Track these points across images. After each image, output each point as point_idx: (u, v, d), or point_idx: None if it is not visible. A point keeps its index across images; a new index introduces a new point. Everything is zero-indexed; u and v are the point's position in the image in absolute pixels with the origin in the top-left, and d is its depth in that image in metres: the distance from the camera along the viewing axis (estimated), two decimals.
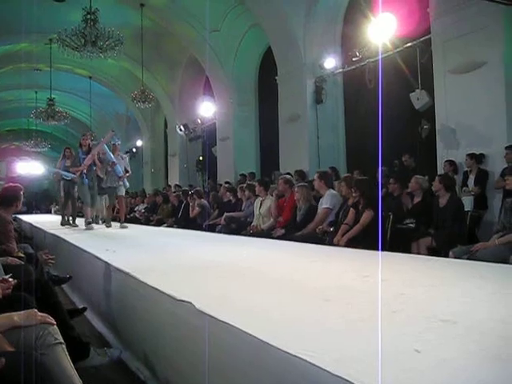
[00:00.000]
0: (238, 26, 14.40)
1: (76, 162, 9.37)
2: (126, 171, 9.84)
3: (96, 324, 4.30)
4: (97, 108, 24.18)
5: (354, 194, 6.48)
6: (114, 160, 9.32)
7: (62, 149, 10.81)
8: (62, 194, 10.70)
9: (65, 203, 10.75)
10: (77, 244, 5.87)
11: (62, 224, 10.44)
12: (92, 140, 10.03)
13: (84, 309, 4.31)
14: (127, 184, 9.86)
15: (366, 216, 6.10)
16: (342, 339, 1.88)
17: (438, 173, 8.21)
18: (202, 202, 11.11)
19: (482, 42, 7.94)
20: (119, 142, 10.04)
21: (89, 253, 4.98)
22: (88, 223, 9.24)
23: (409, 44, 9.38)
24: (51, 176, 12.08)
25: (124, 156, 10.29)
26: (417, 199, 7.19)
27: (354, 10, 11.24)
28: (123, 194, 10.14)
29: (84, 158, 9.14)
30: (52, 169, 12.04)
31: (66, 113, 21.03)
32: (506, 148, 7.46)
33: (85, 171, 9.10)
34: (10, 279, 2.83)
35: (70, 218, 10.59)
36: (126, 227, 9.54)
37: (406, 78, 9.55)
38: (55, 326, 2.19)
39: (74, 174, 9.44)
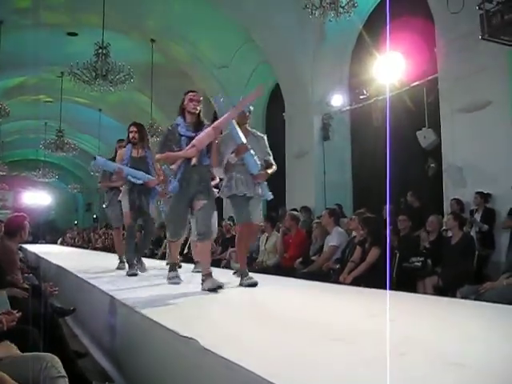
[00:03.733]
0: (247, 62, 14.58)
1: (169, 144, 4.78)
2: (267, 165, 5.23)
3: (99, 358, 4.26)
4: (105, 140, 24.37)
5: (361, 232, 6.49)
6: (244, 141, 4.93)
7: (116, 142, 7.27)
8: (127, 210, 6.25)
9: (131, 232, 6.51)
10: (81, 276, 5.86)
11: (132, 273, 6.12)
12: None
13: (85, 354, 4.29)
14: (269, 194, 5.21)
15: (373, 254, 6.08)
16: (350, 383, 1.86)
17: (445, 211, 8.20)
18: None
19: (488, 82, 8.01)
20: (251, 109, 5.32)
21: (93, 285, 4.97)
22: (171, 266, 5.28)
23: (416, 83, 9.47)
24: (93, 179, 8.15)
25: (260, 135, 5.44)
26: (431, 238, 7.17)
27: (362, 49, 11.38)
28: (259, 216, 5.50)
29: (190, 138, 4.72)
30: (101, 162, 6.54)
31: (74, 144, 21.24)
32: None
33: (194, 161, 4.68)
34: (15, 311, 2.83)
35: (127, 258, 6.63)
36: (253, 283, 4.84)
37: (413, 116, 9.61)
38: (58, 359, 2.19)
39: (146, 173, 6.12)
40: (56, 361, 2.16)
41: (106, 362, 4.06)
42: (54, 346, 2.28)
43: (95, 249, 18.59)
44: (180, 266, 6.24)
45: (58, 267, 7.93)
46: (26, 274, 5.91)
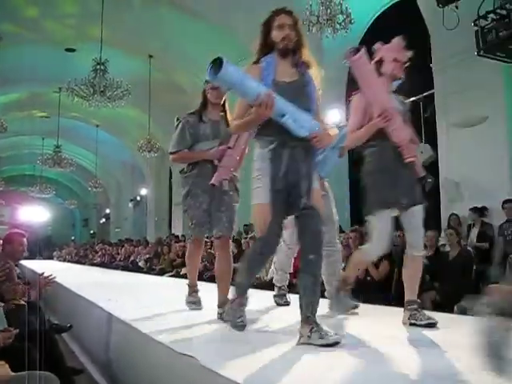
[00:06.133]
0: None
1: None
2: None
3: (95, 375, 4.22)
4: (102, 156, 24.42)
5: None
6: None
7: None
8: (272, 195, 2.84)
9: (271, 236, 2.88)
10: (78, 292, 5.83)
11: (241, 323, 2.97)
12: None
13: (82, 371, 4.26)
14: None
15: (385, 267, 6.17)
16: None
17: (442, 226, 8.21)
18: None
19: (484, 97, 8.07)
20: None
21: (90, 302, 4.95)
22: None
23: (412, 98, 9.52)
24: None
25: None
26: (429, 253, 7.18)
27: None
28: None
29: None
30: (233, 73, 2.74)
31: (71, 160, 21.25)
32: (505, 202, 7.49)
33: None
34: (12, 328, 2.81)
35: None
36: None
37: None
38: (57, 378, 2.17)
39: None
40: (54, 379, 2.15)
41: (103, 379, 4.03)
42: (51, 363, 2.27)
43: (92, 265, 18.52)
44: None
45: (55, 283, 7.88)
46: None
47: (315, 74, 3.11)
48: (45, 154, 21.28)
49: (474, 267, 6.72)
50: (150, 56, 15.14)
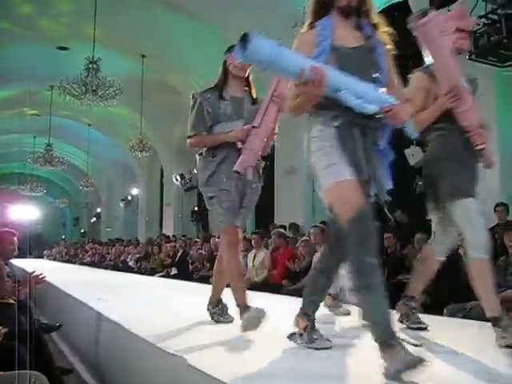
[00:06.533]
0: None
1: None
2: None
3: (84, 375, 4.21)
4: (94, 155, 24.34)
5: None
6: None
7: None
8: (344, 179, 2.42)
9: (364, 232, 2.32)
10: (67, 291, 5.82)
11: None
12: None
13: (71, 370, 4.25)
14: None
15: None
16: None
17: (432, 228, 8.23)
18: None
19: (476, 101, 8.10)
20: None
21: (79, 301, 4.94)
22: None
23: None
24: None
25: None
26: (420, 255, 7.21)
27: None
28: None
29: None
30: (264, 47, 2.15)
31: (63, 158, 21.16)
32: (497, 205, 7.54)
33: None
34: (0, 327, 2.80)
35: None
36: None
37: (401, 134, 9.67)
38: (45, 378, 2.17)
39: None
40: (43, 379, 2.14)
41: (92, 379, 4.02)
42: (40, 363, 2.26)
43: (82, 264, 18.48)
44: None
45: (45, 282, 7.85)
46: None
47: (385, 37, 2.60)
48: (36, 153, 21.17)
49: (464, 270, 6.74)
50: (143, 56, 15.10)
